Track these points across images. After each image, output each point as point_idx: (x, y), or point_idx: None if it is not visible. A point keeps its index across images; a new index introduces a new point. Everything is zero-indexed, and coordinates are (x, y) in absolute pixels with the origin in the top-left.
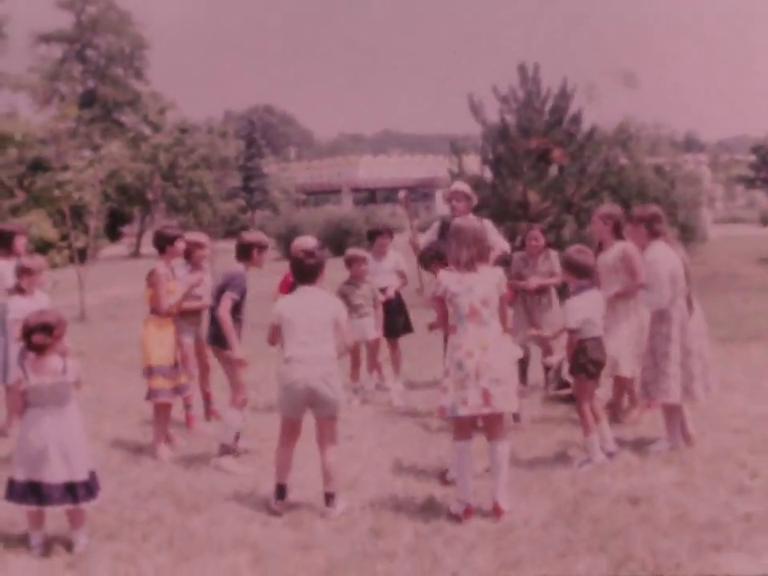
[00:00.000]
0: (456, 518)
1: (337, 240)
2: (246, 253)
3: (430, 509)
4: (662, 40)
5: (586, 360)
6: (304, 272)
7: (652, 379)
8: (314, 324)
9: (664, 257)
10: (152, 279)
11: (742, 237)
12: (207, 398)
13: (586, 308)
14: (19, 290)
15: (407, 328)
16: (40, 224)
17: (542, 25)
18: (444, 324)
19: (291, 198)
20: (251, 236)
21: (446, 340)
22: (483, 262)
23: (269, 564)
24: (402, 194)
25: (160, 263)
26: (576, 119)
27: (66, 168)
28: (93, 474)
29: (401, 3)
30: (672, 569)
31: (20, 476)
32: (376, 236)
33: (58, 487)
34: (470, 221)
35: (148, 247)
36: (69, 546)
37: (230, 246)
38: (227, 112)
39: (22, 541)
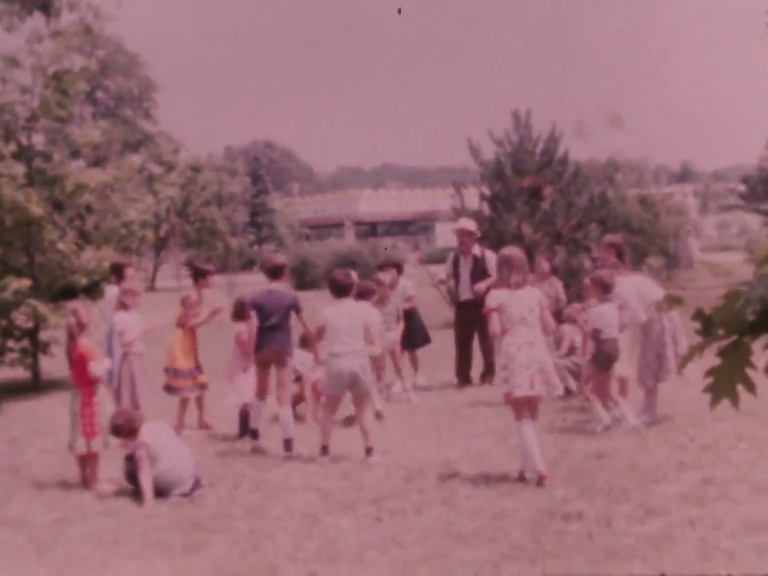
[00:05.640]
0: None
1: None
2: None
3: (447, 466)
4: (660, 69)
5: (603, 356)
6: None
7: (657, 365)
8: (352, 328)
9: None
10: (185, 301)
11: (729, 264)
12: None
13: (607, 314)
14: (123, 306)
15: (425, 340)
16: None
17: (541, 67)
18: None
19: (295, 233)
20: (278, 258)
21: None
22: (527, 283)
23: (333, 499)
24: (415, 257)
25: (192, 290)
26: (564, 160)
27: (116, 213)
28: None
29: (398, 38)
30: (622, 493)
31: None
32: (384, 269)
33: None
34: (515, 250)
35: (163, 281)
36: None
37: (248, 278)
38: (228, 148)
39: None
